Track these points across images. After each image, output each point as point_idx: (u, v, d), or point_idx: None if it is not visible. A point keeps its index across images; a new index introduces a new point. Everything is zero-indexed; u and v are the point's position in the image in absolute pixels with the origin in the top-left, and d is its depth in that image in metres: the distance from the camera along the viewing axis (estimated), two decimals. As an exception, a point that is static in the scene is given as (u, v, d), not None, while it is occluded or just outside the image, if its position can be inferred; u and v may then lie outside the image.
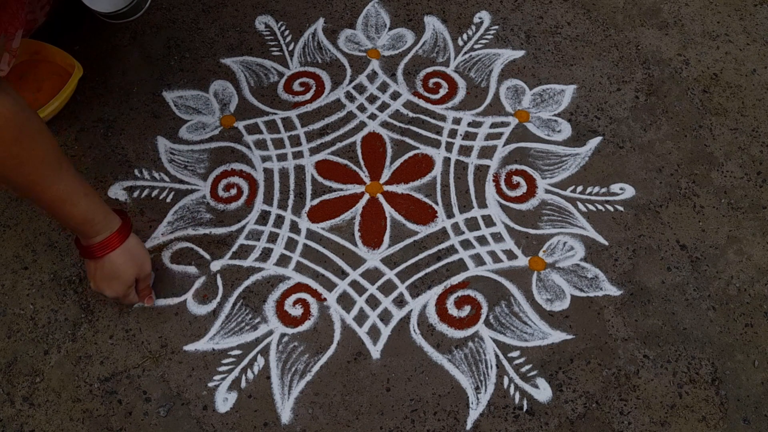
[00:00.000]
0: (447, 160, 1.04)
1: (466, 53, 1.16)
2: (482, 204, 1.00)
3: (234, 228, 0.96)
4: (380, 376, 0.86)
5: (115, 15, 1.14)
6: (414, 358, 0.87)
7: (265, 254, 0.94)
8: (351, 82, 1.12)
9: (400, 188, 1.01)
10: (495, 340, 0.89)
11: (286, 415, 0.83)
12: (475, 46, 1.17)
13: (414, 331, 0.89)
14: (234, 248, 0.95)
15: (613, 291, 0.93)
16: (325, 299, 0.91)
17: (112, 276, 0.82)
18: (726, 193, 1.03)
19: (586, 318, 0.91)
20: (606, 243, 0.97)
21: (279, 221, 0.97)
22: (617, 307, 0.92)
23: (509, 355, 0.88)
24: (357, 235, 0.97)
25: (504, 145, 1.06)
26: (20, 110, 0.69)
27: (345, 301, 0.91)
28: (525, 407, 0.84)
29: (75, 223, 0.78)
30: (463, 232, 0.97)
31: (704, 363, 0.89)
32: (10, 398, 0.83)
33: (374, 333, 0.89)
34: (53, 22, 1.10)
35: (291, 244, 0.95)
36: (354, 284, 0.92)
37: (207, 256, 0.94)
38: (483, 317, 0.90)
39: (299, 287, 0.92)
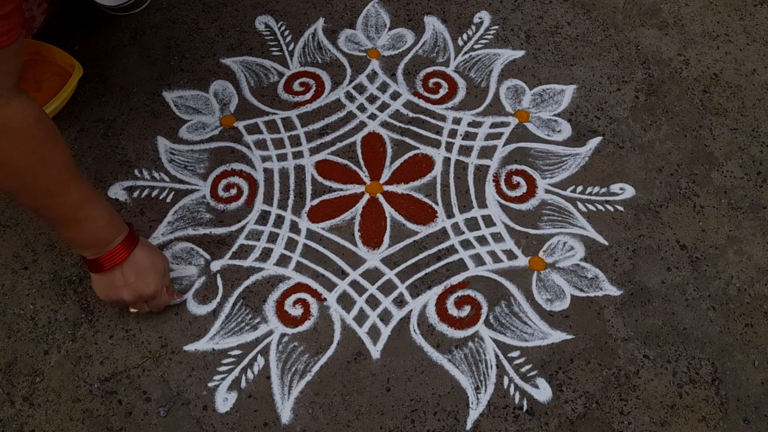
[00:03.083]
0: (447, 160, 1.04)
1: (466, 53, 1.16)
2: (482, 204, 1.00)
3: (234, 228, 0.96)
4: (380, 376, 0.86)
5: (120, 8, 1.15)
6: (414, 358, 0.87)
7: (265, 254, 0.94)
8: (351, 82, 1.12)
9: (400, 188, 1.01)
10: (495, 340, 0.89)
11: (286, 415, 0.83)
12: (475, 46, 1.17)
13: (414, 331, 0.89)
14: (234, 248, 0.95)
15: (613, 291, 0.93)
16: (325, 299, 0.91)
17: (148, 269, 0.82)
18: (726, 193, 1.03)
19: (586, 318, 0.91)
20: (606, 243, 0.97)
21: (279, 221, 0.97)
22: (617, 307, 0.92)
23: (509, 355, 0.88)
24: (357, 235, 0.97)
25: (504, 145, 1.06)
26: (41, 113, 0.69)
27: (345, 301, 0.91)
28: (525, 407, 0.84)
29: (97, 227, 0.76)
30: (463, 232, 0.97)
31: (704, 363, 0.89)
32: (10, 398, 0.83)
33: (374, 333, 0.89)
34: (53, 21, 1.11)
35: (291, 244, 0.95)
36: (354, 284, 0.92)
37: (207, 256, 0.94)
38: (483, 317, 0.90)
39: (299, 287, 0.92)
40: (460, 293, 0.92)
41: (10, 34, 0.62)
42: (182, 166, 1.02)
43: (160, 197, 0.98)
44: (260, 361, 0.86)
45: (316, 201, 0.99)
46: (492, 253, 0.96)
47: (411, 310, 0.91)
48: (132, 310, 0.87)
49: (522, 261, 0.95)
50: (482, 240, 0.97)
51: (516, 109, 1.10)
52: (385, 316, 0.90)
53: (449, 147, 1.05)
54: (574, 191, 1.02)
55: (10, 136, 0.65)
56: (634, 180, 1.03)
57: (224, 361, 0.86)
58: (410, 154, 1.05)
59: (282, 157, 1.03)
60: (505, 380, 0.86)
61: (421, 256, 0.95)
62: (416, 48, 1.16)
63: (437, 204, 1.00)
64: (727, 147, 1.08)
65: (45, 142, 0.69)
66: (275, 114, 1.08)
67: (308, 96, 1.10)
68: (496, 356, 0.88)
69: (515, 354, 0.88)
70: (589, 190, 1.02)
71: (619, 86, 1.14)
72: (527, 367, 0.87)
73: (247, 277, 0.92)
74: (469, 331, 0.89)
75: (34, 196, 0.71)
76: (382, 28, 1.19)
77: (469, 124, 1.08)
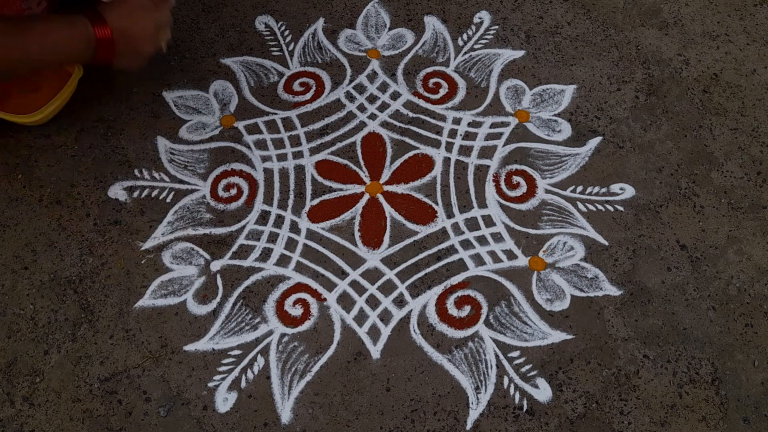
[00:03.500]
0: (447, 160, 1.04)
1: (466, 53, 1.16)
2: (482, 204, 1.00)
3: (234, 228, 0.96)
4: (380, 376, 0.86)
5: None
6: (414, 358, 0.87)
7: (265, 254, 0.94)
8: (351, 82, 1.12)
9: (400, 188, 1.01)
10: (495, 340, 0.89)
11: (286, 415, 0.83)
12: (475, 46, 1.17)
13: (414, 331, 0.89)
14: (234, 248, 0.95)
15: (613, 291, 0.93)
16: (325, 299, 0.91)
17: (132, 9, 0.86)
18: (726, 193, 1.03)
19: (586, 318, 0.91)
20: (606, 243, 0.97)
21: (279, 221, 0.97)
22: (617, 307, 0.92)
23: (509, 355, 0.88)
24: (357, 235, 0.97)
25: (504, 145, 1.06)
26: None
27: (345, 301, 0.91)
28: (525, 407, 0.84)
29: (68, 36, 0.81)
30: (463, 232, 0.97)
31: (704, 363, 0.89)
32: (10, 398, 0.83)
33: (374, 333, 0.89)
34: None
35: (291, 244, 0.95)
36: (354, 284, 0.92)
37: (207, 256, 0.94)
38: (483, 317, 0.90)
39: (299, 287, 0.92)
40: (460, 293, 0.92)
41: None
42: (182, 166, 1.02)
43: (160, 197, 0.98)
44: (260, 361, 0.86)
45: (316, 201, 0.99)
46: (492, 253, 0.96)
47: (411, 310, 0.91)
48: (166, 41, 0.91)
49: (522, 261, 0.95)
50: (482, 240, 0.97)
51: (516, 109, 1.10)
52: (385, 316, 0.90)
53: (449, 147, 1.05)
54: (574, 191, 1.02)
55: None
56: (634, 180, 1.03)
57: (224, 361, 0.86)
58: (410, 154, 1.05)
59: (282, 157, 1.03)
60: (505, 380, 0.86)
61: (421, 256, 0.95)
62: (416, 48, 1.16)
63: (437, 204, 1.00)
64: (727, 147, 1.08)
65: None
66: (275, 114, 1.08)
67: (308, 96, 1.10)
68: (496, 356, 0.88)
69: (515, 354, 0.88)
70: (589, 190, 1.02)
71: (619, 86, 1.14)
72: (527, 367, 0.87)
73: (247, 277, 0.92)
74: (469, 331, 0.89)
75: (7, 65, 0.78)
76: (382, 28, 1.19)
77: (469, 124, 1.08)
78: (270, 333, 0.88)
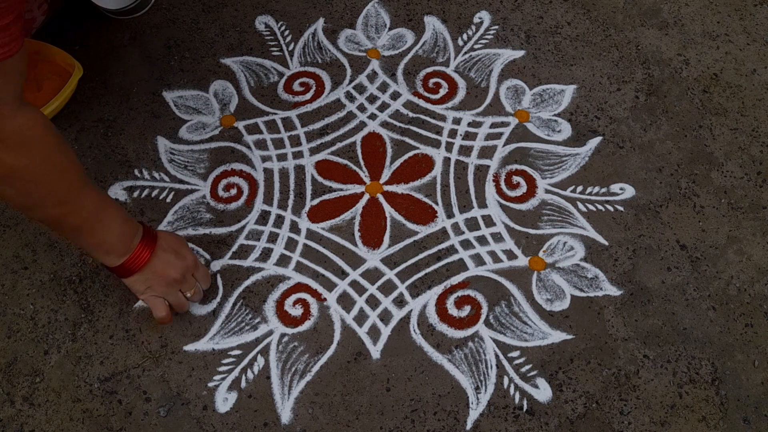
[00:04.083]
0: (447, 160, 1.04)
1: (466, 53, 1.16)
2: (482, 204, 1.00)
3: (234, 228, 0.96)
4: (380, 376, 0.86)
5: (121, 11, 1.15)
6: (414, 358, 0.87)
7: (265, 254, 0.94)
8: (351, 82, 1.12)
9: (400, 188, 1.01)
10: (495, 340, 0.89)
11: (286, 415, 0.83)
12: (475, 46, 1.17)
13: (414, 331, 0.89)
14: (234, 248, 0.95)
15: (613, 291, 0.93)
16: (325, 299, 0.91)
17: (178, 248, 0.81)
18: (726, 193, 1.03)
19: (586, 318, 0.91)
20: (606, 243, 0.97)
21: (279, 221, 0.97)
22: (617, 307, 0.92)
23: (509, 355, 0.88)
24: (357, 235, 0.97)
25: (504, 145, 1.06)
26: (48, 120, 0.69)
27: (345, 301, 0.91)
28: (525, 407, 0.84)
29: (118, 226, 0.76)
30: (463, 232, 0.97)
31: (704, 363, 0.89)
32: (10, 398, 0.83)
33: (374, 333, 0.89)
34: (53, 21, 1.11)
35: (291, 244, 0.95)
36: (354, 284, 0.92)
37: (207, 256, 0.94)
38: (483, 317, 0.90)
39: (299, 287, 0.92)
40: (460, 293, 0.92)
41: (10, 46, 0.61)
42: (182, 166, 1.02)
43: (160, 197, 0.98)
44: (260, 361, 0.86)
45: (316, 201, 0.99)
46: (492, 253, 0.96)
47: (411, 310, 0.91)
48: (189, 294, 0.84)
49: (522, 261, 0.95)
50: (482, 240, 0.97)
51: (516, 109, 1.10)
52: (385, 316, 0.90)
53: (449, 147, 1.05)
54: (574, 191, 1.02)
55: (25, 147, 0.65)
56: (634, 180, 1.03)
57: (224, 361, 0.86)
58: (410, 154, 1.05)
59: (282, 157, 1.04)
60: (505, 380, 0.86)
61: (421, 256, 0.95)
62: (416, 48, 1.16)
63: (437, 204, 1.00)
64: (727, 147, 1.08)
65: (56, 149, 0.69)
66: (275, 114, 1.08)
67: (308, 96, 1.10)
68: (496, 356, 0.88)
69: (515, 354, 0.88)
70: (589, 190, 1.02)
71: (619, 86, 1.14)
72: (527, 367, 0.87)
73: (247, 277, 0.92)
74: (469, 331, 0.89)
75: (53, 205, 0.70)
76: (382, 28, 1.19)
77: (469, 124, 1.08)
78: (270, 333, 0.88)
